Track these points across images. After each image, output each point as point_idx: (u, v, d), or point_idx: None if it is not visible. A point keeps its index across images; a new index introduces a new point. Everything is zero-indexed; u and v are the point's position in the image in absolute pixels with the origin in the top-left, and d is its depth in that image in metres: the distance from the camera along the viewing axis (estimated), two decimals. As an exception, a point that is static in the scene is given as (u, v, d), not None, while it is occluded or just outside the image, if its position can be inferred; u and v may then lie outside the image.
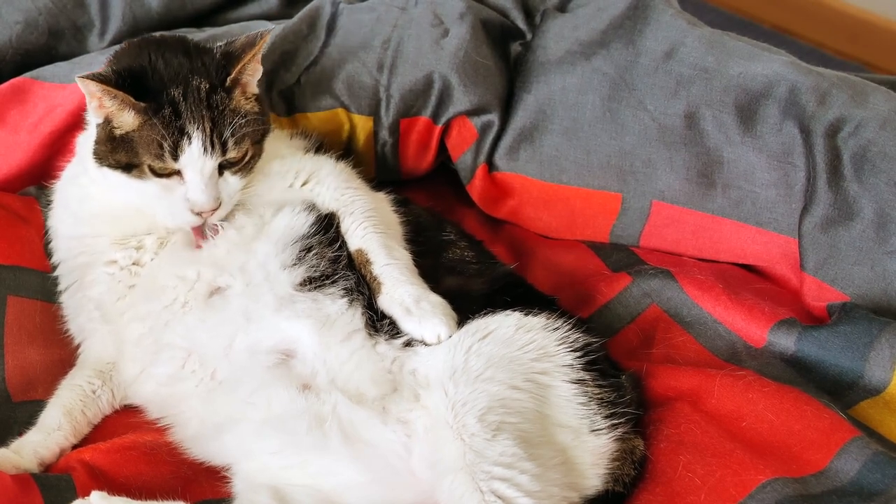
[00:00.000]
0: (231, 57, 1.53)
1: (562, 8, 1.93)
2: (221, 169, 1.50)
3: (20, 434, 1.50)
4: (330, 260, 1.53)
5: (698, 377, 1.54)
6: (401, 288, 1.50)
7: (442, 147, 1.93)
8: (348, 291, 1.50)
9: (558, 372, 1.44)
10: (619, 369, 1.55)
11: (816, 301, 1.70)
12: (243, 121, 1.50)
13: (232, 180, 1.52)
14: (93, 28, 1.96)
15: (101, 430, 1.57)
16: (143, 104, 1.46)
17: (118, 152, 1.48)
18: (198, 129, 1.46)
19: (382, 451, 1.41)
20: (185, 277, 1.52)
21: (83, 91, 1.48)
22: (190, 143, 1.46)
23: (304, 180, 1.61)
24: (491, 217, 1.96)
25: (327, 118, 1.87)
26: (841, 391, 1.55)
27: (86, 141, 1.60)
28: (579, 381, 1.44)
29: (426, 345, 1.46)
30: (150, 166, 1.48)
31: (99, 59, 1.79)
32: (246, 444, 1.44)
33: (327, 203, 1.59)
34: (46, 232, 1.68)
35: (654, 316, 1.71)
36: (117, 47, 1.66)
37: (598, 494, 1.42)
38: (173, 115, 1.46)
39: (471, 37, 1.85)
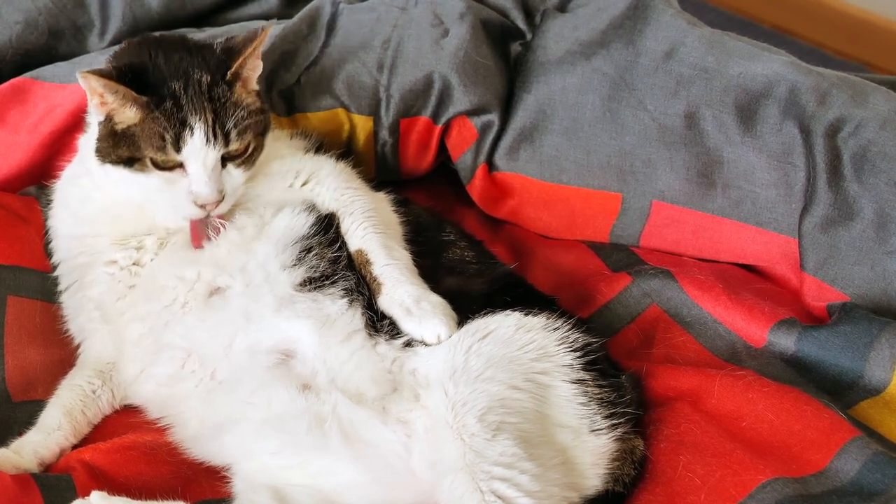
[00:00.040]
0: (232, 52, 1.53)
1: (562, 8, 1.93)
2: (224, 161, 1.50)
3: (20, 434, 1.50)
4: (330, 260, 1.53)
5: (698, 377, 1.54)
6: (401, 288, 1.50)
7: (442, 147, 1.93)
8: (348, 292, 1.50)
9: (558, 372, 1.44)
10: (619, 369, 1.55)
11: (816, 301, 1.70)
12: (245, 113, 1.50)
13: (235, 173, 1.52)
14: (93, 28, 1.96)
15: (101, 430, 1.57)
16: (144, 98, 1.46)
17: (120, 147, 1.48)
18: (199, 120, 1.46)
19: (382, 451, 1.41)
20: (185, 278, 1.52)
21: (84, 88, 1.48)
22: (192, 134, 1.46)
23: (305, 180, 1.61)
24: (491, 217, 1.96)
25: (327, 118, 1.87)
26: (841, 391, 1.55)
27: (87, 142, 1.60)
28: (579, 381, 1.44)
29: (426, 345, 1.46)
30: (152, 159, 1.47)
31: (99, 59, 1.79)
32: (246, 444, 1.44)
33: (327, 203, 1.59)
34: (46, 232, 1.68)
35: (654, 316, 1.71)
36: (117, 47, 1.66)
37: (598, 494, 1.42)
38: (175, 107, 1.46)
39: (471, 37, 1.85)
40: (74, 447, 1.53)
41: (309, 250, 1.53)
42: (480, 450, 1.33)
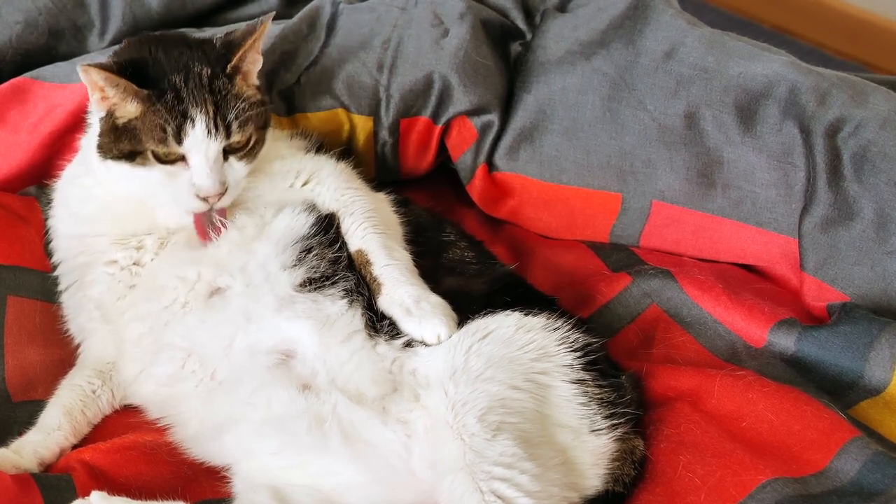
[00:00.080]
0: (231, 45, 1.53)
1: (562, 8, 1.93)
2: (226, 154, 1.50)
3: (20, 434, 1.50)
4: (330, 261, 1.53)
5: (698, 377, 1.54)
6: (401, 288, 1.50)
7: (442, 147, 1.93)
8: (348, 292, 1.50)
9: (558, 372, 1.44)
10: (619, 369, 1.55)
11: (816, 301, 1.70)
12: (246, 105, 1.50)
13: (237, 166, 1.52)
14: (93, 28, 1.96)
15: (101, 430, 1.57)
16: (145, 91, 1.46)
17: (122, 142, 1.48)
18: (201, 112, 1.46)
19: (382, 451, 1.41)
20: (186, 278, 1.52)
21: (85, 82, 1.48)
22: (193, 126, 1.46)
23: (305, 180, 1.61)
24: (491, 217, 1.96)
25: (327, 118, 1.87)
26: (841, 391, 1.55)
27: (88, 141, 1.60)
28: (579, 382, 1.44)
29: (426, 345, 1.46)
30: (153, 152, 1.47)
31: (99, 59, 1.78)
32: (246, 445, 1.44)
33: (327, 203, 1.59)
34: (46, 232, 1.68)
35: (654, 316, 1.71)
36: (117, 47, 1.66)
37: (598, 494, 1.42)
38: (176, 99, 1.46)
39: (471, 37, 1.85)
40: (74, 447, 1.53)
41: (309, 251, 1.53)
42: (480, 450, 1.33)
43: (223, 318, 1.50)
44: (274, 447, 1.42)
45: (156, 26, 1.94)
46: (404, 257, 1.55)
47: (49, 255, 1.68)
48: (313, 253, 1.53)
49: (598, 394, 1.44)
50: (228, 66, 1.51)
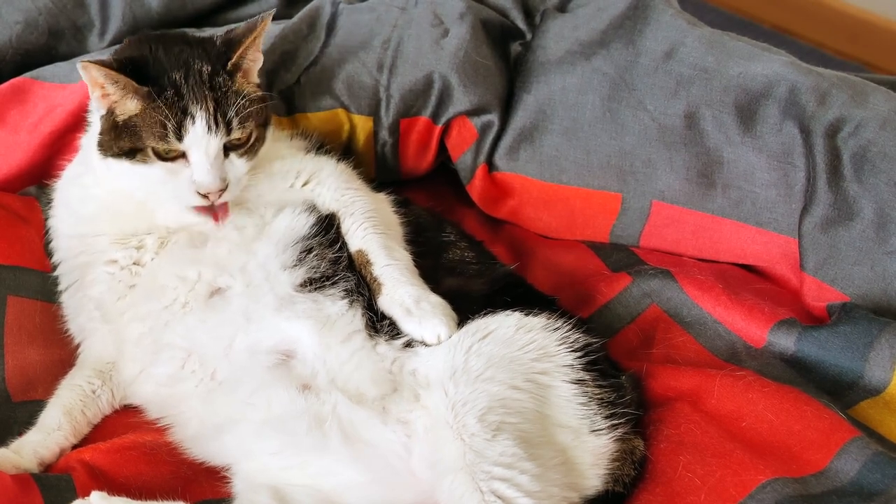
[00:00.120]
0: (232, 43, 1.53)
1: (562, 8, 1.93)
2: (227, 151, 1.50)
3: (20, 434, 1.50)
4: (330, 261, 1.53)
5: (698, 377, 1.54)
6: (401, 289, 1.50)
7: (442, 147, 1.93)
8: (349, 292, 1.50)
9: (558, 372, 1.44)
10: (619, 369, 1.55)
11: (816, 301, 1.70)
12: (246, 102, 1.50)
13: (238, 162, 1.52)
14: (93, 28, 1.96)
15: (101, 430, 1.57)
16: (145, 88, 1.46)
17: (122, 139, 1.48)
18: (201, 108, 1.46)
19: (382, 451, 1.41)
20: (186, 278, 1.52)
21: (85, 79, 1.48)
22: (194, 122, 1.46)
23: (305, 181, 1.61)
24: (491, 217, 1.96)
25: (327, 118, 1.87)
26: (841, 391, 1.55)
27: (88, 141, 1.60)
28: (579, 382, 1.44)
29: (426, 345, 1.46)
30: (154, 149, 1.47)
31: (99, 57, 1.78)
32: (246, 445, 1.44)
33: (328, 204, 1.59)
34: (47, 232, 1.68)
35: (654, 316, 1.71)
36: (117, 47, 1.66)
37: (598, 494, 1.42)
38: (176, 96, 1.46)
39: (471, 37, 1.85)
40: (74, 447, 1.53)
41: (309, 251, 1.53)
42: (480, 450, 1.33)
43: (223, 318, 1.50)
44: (274, 447, 1.42)
45: (156, 26, 1.94)
46: (404, 257, 1.55)
47: (49, 254, 1.68)
48: (314, 253, 1.53)
49: (598, 394, 1.44)
50: (229, 63, 1.51)
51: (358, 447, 1.41)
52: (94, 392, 1.57)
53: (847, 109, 1.71)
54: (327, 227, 1.56)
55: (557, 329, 1.47)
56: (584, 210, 1.87)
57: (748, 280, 1.79)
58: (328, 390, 1.45)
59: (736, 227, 1.79)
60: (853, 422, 1.46)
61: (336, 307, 1.49)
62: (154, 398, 1.54)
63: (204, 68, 1.49)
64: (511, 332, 1.45)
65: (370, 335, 1.48)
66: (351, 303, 1.50)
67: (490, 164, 1.90)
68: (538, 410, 1.41)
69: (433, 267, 1.58)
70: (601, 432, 1.42)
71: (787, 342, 1.60)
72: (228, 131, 1.48)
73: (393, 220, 1.63)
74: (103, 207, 1.58)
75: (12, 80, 1.83)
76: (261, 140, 1.55)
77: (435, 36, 1.85)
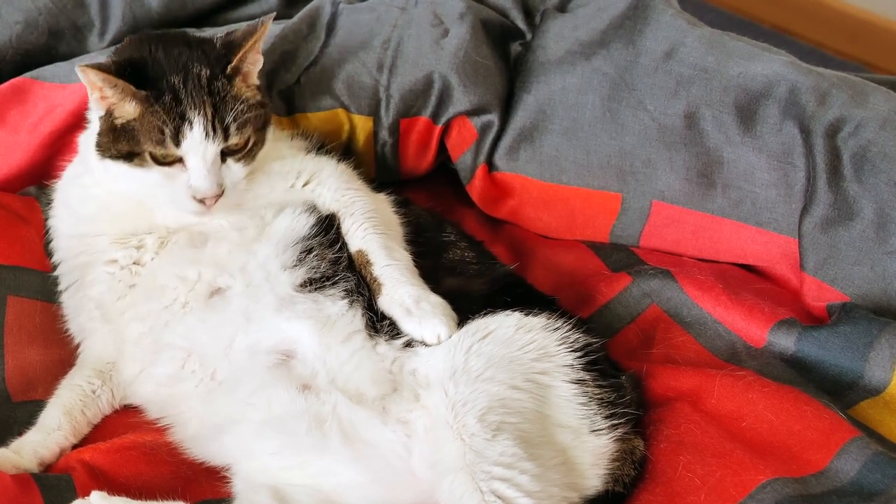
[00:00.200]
0: (231, 46, 1.53)
1: (562, 8, 1.93)
2: (224, 156, 1.50)
3: (20, 434, 1.50)
4: (330, 261, 1.53)
5: (698, 377, 1.54)
6: (401, 289, 1.50)
7: (442, 147, 1.93)
8: (349, 293, 1.50)
9: (558, 372, 1.44)
10: (619, 369, 1.55)
11: (816, 301, 1.70)
12: (245, 107, 1.50)
13: (235, 167, 1.52)
14: (93, 28, 1.96)
15: (101, 430, 1.57)
16: (143, 92, 1.46)
17: (120, 142, 1.48)
18: (199, 114, 1.46)
19: (382, 451, 1.41)
20: (186, 277, 1.52)
21: (84, 82, 1.48)
22: (191, 128, 1.46)
23: (306, 181, 1.61)
24: (491, 217, 1.96)
25: (327, 118, 1.87)
26: (841, 391, 1.55)
27: (87, 140, 1.60)
28: (579, 382, 1.44)
29: (426, 345, 1.46)
30: (151, 154, 1.47)
31: (99, 59, 1.79)
32: (246, 445, 1.44)
33: (328, 204, 1.59)
34: (47, 232, 1.68)
35: (654, 316, 1.71)
36: (117, 46, 1.66)
37: (598, 494, 1.42)
38: (174, 101, 1.46)
39: (471, 37, 1.85)
40: (74, 447, 1.53)
41: (310, 251, 1.53)
42: (480, 450, 1.33)
43: (223, 319, 1.50)
44: (274, 447, 1.42)
45: (156, 26, 1.94)
46: (404, 257, 1.55)
47: (49, 254, 1.68)
48: (314, 253, 1.53)
49: (598, 394, 1.44)
50: (228, 68, 1.51)
51: (358, 447, 1.41)
52: (94, 392, 1.57)
53: (847, 109, 1.71)
54: (327, 228, 1.56)
55: (557, 329, 1.47)
56: (584, 210, 1.87)
57: (748, 280, 1.79)
58: (328, 390, 1.45)
59: (736, 227, 1.79)
60: (853, 422, 1.46)
61: (336, 307, 1.49)
62: (154, 398, 1.54)
63: (203, 72, 1.48)
64: (511, 332, 1.45)
65: (370, 335, 1.48)
66: (351, 303, 1.50)
67: (490, 164, 1.90)
68: (538, 410, 1.41)
69: (433, 267, 1.58)
70: (601, 432, 1.42)
71: (787, 342, 1.60)
72: (226, 137, 1.48)
73: (393, 221, 1.63)
74: (103, 207, 1.58)
75: (12, 80, 1.83)
76: (259, 144, 1.55)
77: (435, 36, 1.85)
